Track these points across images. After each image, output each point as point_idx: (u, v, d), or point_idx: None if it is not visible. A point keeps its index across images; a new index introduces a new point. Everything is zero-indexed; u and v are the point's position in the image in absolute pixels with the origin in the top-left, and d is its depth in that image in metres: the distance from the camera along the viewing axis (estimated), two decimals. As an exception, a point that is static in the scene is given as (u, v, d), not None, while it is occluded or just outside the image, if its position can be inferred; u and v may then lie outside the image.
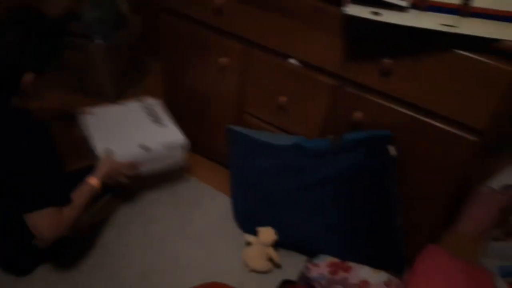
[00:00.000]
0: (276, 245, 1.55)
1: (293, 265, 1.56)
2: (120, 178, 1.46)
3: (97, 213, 1.59)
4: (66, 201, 1.26)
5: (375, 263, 1.40)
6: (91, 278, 1.45)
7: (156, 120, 1.67)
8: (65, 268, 1.46)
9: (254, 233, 1.56)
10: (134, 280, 1.47)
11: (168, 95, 1.85)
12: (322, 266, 1.43)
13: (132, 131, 1.59)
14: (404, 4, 1.12)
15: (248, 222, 1.64)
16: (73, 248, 1.52)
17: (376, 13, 1.10)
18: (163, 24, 1.65)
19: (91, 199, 1.35)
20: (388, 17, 1.08)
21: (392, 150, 1.27)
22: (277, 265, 1.56)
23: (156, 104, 1.75)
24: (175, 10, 1.58)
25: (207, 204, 1.76)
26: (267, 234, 1.53)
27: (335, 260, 1.44)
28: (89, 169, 1.41)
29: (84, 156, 1.54)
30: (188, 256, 1.56)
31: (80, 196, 1.31)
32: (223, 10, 1.45)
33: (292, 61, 1.40)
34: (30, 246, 1.30)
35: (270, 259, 1.54)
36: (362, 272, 1.40)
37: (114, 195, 1.61)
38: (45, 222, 1.20)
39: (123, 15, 2.15)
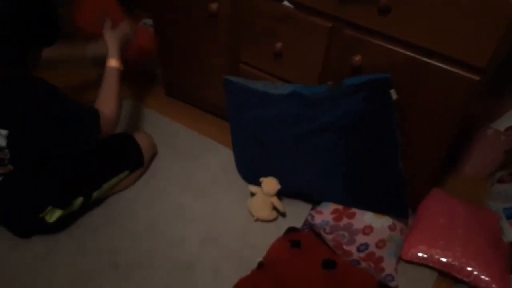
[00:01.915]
0: (280, 194, 1.55)
1: (297, 213, 1.56)
2: (130, 39, 1.55)
3: (112, 189, 1.56)
4: (96, 112, 1.31)
5: (379, 209, 1.40)
6: (98, 235, 1.47)
7: None
8: (71, 227, 1.48)
9: (258, 183, 1.56)
10: (142, 233, 1.49)
11: (162, 47, 1.79)
12: (326, 213, 1.43)
13: None
14: None
15: (250, 173, 1.63)
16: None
17: None
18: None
19: (120, 81, 1.41)
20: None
21: (393, 93, 1.22)
22: (281, 214, 1.56)
23: None
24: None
25: (209, 156, 1.75)
26: (270, 184, 1.53)
27: (339, 207, 1.44)
28: None
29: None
30: (193, 208, 1.57)
31: (109, 85, 1.38)
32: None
33: (286, 3, 1.32)
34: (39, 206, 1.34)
35: (275, 208, 1.54)
36: (366, 217, 1.40)
37: (132, 170, 1.58)
38: (101, 130, 1.31)
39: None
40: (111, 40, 1.45)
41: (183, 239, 1.48)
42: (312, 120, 1.37)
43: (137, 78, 2.09)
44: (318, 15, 1.27)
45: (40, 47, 1.23)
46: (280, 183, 1.52)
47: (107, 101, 1.36)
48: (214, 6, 1.44)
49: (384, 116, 1.26)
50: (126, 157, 1.56)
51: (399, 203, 1.39)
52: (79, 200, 1.41)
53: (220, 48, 1.58)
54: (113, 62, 1.42)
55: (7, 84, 1.17)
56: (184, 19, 1.59)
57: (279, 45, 1.39)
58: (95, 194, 1.46)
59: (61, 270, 1.37)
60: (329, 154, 1.40)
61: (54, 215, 1.37)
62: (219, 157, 1.75)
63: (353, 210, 1.42)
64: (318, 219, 1.42)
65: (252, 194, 1.57)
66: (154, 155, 1.71)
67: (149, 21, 2.11)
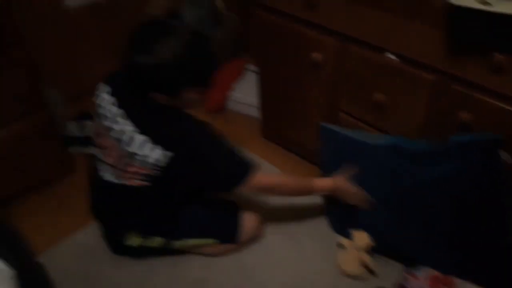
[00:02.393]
0: (372, 251, 1.47)
1: (389, 273, 1.45)
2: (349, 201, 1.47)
3: (197, 248, 1.53)
4: (251, 168, 1.32)
5: (480, 282, 1.26)
6: (190, 263, 1.52)
7: None
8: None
9: (347, 235, 1.50)
10: (230, 268, 1.51)
11: (262, 91, 1.86)
12: (421, 279, 1.33)
13: None
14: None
15: (340, 224, 1.59)
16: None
17: (485, 2, 0.97)
18: (256, 20, 1.64)
19: (302, 190, 1.45)
20: (499, 7, 0.95)
21: (505, 155, 1.12)
22: (371, 272, 1.48)
23: None
24: (268, 5, 1.56)
25: (299, 201, 1.74)
26: (361, 238, 1.47)
27: (437, 273, 1.32)
28: None
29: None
30: (280, 251, 1.56)
31: (298, 183, 1.44)
32: (317, 4, 1.40)
33: (390, 55, 1.30)
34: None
35: (365, 265, 1.47)
36: (468, 289, 1.27)
37: (222, 242, 1.51)
38: (243, 184, 1.32)
39: (219, 13, 2.20)
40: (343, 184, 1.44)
41: (268, 280, 1.47)
42: (411, 176, 1.30)
43: (235, 119, 2.18)
44: (423, 68, 1.23)
45: (195, 87, 1.27)
46: (373, 238, 1.45)
47: (279, 184, 1.42)
48: (317, 55, 1.48)
49: (492, 179, 1.16)
50: (220, 227, 1.50)
51: (505, 280, 1.24)
52: (158, 239, 1.43)
53: (320, 95, 1.60)
54: (322, 184, 1.45)
55: (174, 112, 1.27)
56: (287, 66, 1.64)
57: (379, 95, 1.37)
58: (176, 243, 1.45)
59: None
60: (428, 213, 1.31)
61: (133, 240, 1.41)
62: (309, 203, 1.73)
63: (453, 279, 1.30)
64: (413, 284, 1.32)
65: (340, 246, 1.52)
66: (256, 236, 1.59)
67: (253, 67, 2.22)
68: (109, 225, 1.50)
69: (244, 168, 1.32)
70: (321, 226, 1.64)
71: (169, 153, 1.25)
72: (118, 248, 1.54)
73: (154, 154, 1.25)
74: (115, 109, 1.31)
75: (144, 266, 1.52)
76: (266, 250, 1.57)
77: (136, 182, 1.32)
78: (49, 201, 1.78)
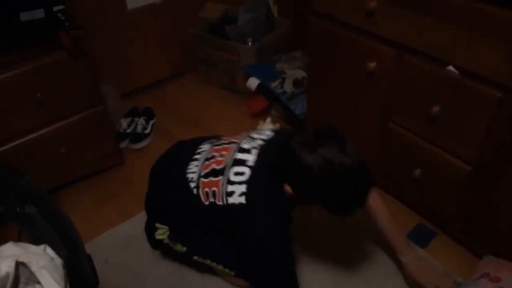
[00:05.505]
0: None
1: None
2: None
3: (217, 271, 1.49)
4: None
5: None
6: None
7: None
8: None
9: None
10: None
11: (311, 96, 1.85)
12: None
13: None
14: None
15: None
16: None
17: None
18: (313, 28, 1.64)
19: None
20: None
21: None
22: None
23: None
24: (326, 14, 1.56)
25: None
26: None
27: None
28: None
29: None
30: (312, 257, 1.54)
31: None
32: (375, 13, 1.38)
33: (451, 68, 1.26)
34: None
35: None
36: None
37: (238, 275, 1.44)
38: None
39: (273, 18, 2.21)
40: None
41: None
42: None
43: (277, 123, 2.18)
44: (487, 83, 1.18)
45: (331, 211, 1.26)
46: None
47: None
48: (372, 65, 1.45)
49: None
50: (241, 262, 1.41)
51: None
52: (183, 248, 1.41)
53: (371, 104, 1.57)
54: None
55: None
56: (339, 73, 1.63)
57: (435, 109, 1.33)
58: (196, 258, 1.42)
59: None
60: None
61: (161, 235, 1.41)
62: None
63: None
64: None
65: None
66: None
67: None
68: (151, 219, 1.51)
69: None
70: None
71: (243, 201, 1.25)
72: (154, 243, 1.54)
73: (238, 189, 1.26)
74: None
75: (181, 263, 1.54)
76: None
77: (201, 204, 1.32)
78: (97, 192, 1.84)
